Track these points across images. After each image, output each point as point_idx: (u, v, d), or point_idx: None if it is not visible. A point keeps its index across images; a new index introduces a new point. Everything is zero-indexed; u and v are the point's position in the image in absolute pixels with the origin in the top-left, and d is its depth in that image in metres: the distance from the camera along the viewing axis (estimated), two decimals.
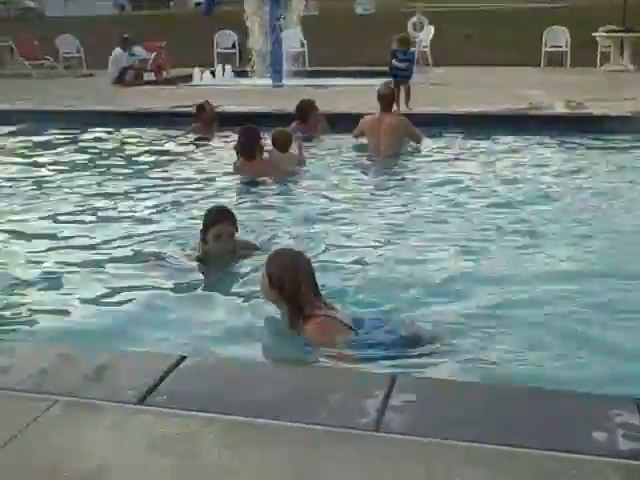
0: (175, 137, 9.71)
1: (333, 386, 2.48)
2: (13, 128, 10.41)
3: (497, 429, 2.20)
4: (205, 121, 9.40)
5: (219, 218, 4.50)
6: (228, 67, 16.78)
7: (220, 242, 4.41)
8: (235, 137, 7.68)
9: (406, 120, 8.55)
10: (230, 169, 7.53)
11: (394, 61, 10.74)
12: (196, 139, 9.37)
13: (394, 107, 8.81)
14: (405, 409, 2.30)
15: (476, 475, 1.99)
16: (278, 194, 6.82)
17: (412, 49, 11.71)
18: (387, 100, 8.48)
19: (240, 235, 4.75)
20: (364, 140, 8.61)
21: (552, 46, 16.72)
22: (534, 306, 3.87)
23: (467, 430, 2.19)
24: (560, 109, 10.25)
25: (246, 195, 6.81)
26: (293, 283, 3.46)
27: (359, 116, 8.75)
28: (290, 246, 4.82)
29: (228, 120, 9.50)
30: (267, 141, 7.62)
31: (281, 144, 7.61)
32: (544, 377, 3.04)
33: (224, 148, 8.78)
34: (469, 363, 3.18)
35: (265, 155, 7.43)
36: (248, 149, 7.21)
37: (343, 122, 9.43)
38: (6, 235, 5.65)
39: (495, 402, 2.39)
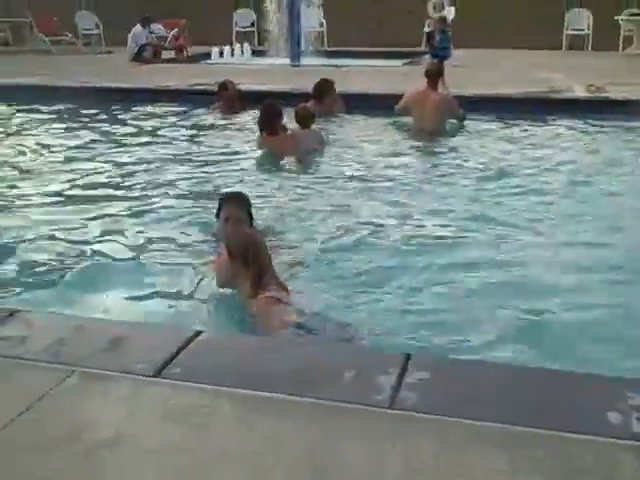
0: (196, 115, 9.73)
1: (348, 363, 2.48)
2: (31, 105, 10.44)
3: (511, 409, 2.19)
4: (227, 99, 9.44)
5: (227, 201, 4.50)
6: (247, 46, 16.72)
7: (227, 225, 4.37)
8: (256, 114, 7.73)
9: (451, 97, 8.53)
10: (252, 146, 7.56)
11: (433, 41, 10.77)
12: (219, 117, 9.41)
13: (440, 85, 8.75)
14: (420, 387, 2.30)
15: (489, 453, 1.99)
16: (302, 171, 6.82)
17: (448, 29, 11.71)
18: (433, 76, 8.46)
19: (263, 214, 4.74)
20: (387, 119, 8.60)
21: (574, 29, 16.52)
22: (552, 287, 3.86)
23: (481, 409, 2.19)
24: (580, 93, 10.14)
25: (269, 172, 6.81)
26: (256, 246, 3.54)
27: (376, 97, 8.73)
28: (314, 225, 4.84)
29: (246, 98, 9.53)
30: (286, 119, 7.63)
31: (304, 120, 7.62)
32: (558, 358, 3.03)
33: (246, 126, 8.80)
34: (483, 343, 3.18)
35: (288, 131, 7.44)
36: (270, 124, 7.24)
37: (360, 102, 9.41)
38: (29, 205, 5.72)
39: (510, 382, 2.39)
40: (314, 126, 7.76)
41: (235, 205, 4.43)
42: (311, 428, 2.12)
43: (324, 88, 9.00)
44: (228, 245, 3.58)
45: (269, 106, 7.37)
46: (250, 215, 4.45)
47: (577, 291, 3.87)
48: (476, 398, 2.26)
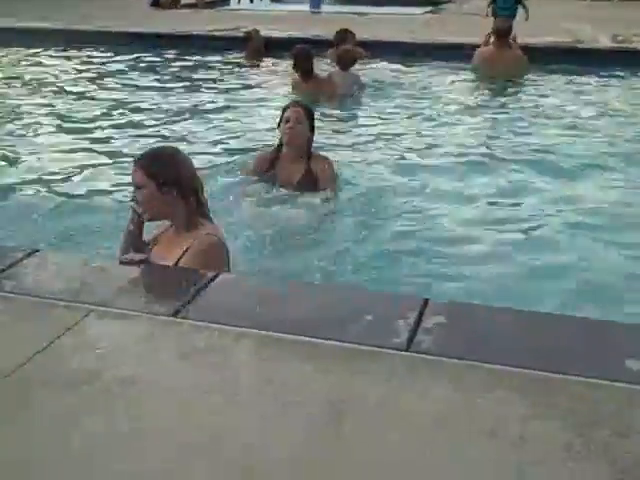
0: (219, 62, 9.71)
1: (366, 306, 2.47)
2: (46, 50, 10.38)
3: (529, 354, 2.19)
4: (252, 49, 9.57)
5: (290, 105, 4.71)
6: None
7: (285, 126, 4.53)
8: (281, 63, 7.74)
9: (522, 57, 8.43)
10: (283, 91, 7.58)
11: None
12: (245, 65, 9.48)
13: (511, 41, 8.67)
14: (437, 331, 2.29)
15: (506, 397, 1.98)
16: (339, 115, 6.84)
17: None
18: (503, 34, 8.41)
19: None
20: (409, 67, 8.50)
21: None
22: (572, 237, 3.84)
23: (498, 354, 2.18)
24: (606, 43, 9.93)
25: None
26: (190, 171, 3.13)
27: (398, 44, 8.62)
28: (351, 170, 4.82)
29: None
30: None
31: (343, 62, 7.61)
32: (578, 306, 3.02)
33: (273, 73, 8.86)
34: (501, 289, 3.17)
35: (324, 74, 7.54)
36: (305, 67, 7.35)
37: (381, 50, 9.31)
38: (54, 149, 5.75)
39: (528, 328, 2.38)
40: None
41: (297, 108, 4.63)
42: (329, 370, 2.12)
43: (345, 37, 9.00)
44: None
45: (302, 50, 7.46)
46: (311, 128, 4.61)
47: (601, 241, 3.85)
48: (493, 343, 2.26)
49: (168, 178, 3.02)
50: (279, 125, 4.66)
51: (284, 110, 4.66)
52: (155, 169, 3.02)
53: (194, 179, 3.12)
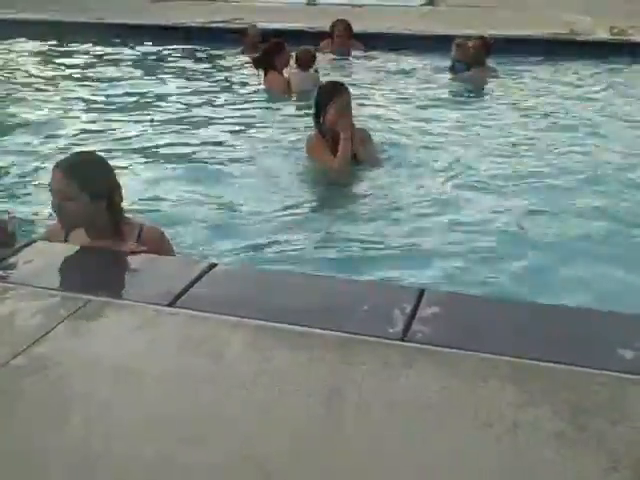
0: (217, 55, 9.71)
1: (363, 297, 2.49)
2: (44, 41, 10.34)
3: (523, 343, 2.20)
4: (250, 43, 9.58)
5: (337, 92, 4.69)
6: None
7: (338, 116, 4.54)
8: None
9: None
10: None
11: None
12: (244, 59, 9.51)
13: None
14: (432, 321, 2.31)
15: (500, 385, 2.00)
16: (295, 111, 6.92)
17: None
18: None
19: None
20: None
21: None
22: (572, 227, 3.86)
23: (493, 343, 2.20)
24: (602, 35, 9.93)
25: (266, 112, 6.90)
26: (115, 180, 3.02)
27: (394, 36, 8.63)
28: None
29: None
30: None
31: (303, 62, 7.67)
32: (574, 297, 3.04)
33: None
34: (498, 280, 3.19)
35: (288, 70, 7.57)
36: (263, 62, 7.49)
37: (377, 41, 9.33)
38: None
39: (521, 318, 2.39)
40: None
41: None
42: (326, 359, 2.14)
43: (338, 28, 9.20)
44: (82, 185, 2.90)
45: (269, 44, 7.60)
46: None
47: (601, 232, 3.86)
48: (488, 332, 2.27)
49: (101, 189, 2.91)
50: (319, 112, 4.65)
51: (329, 96, 4.62)
52: (89, 181, 2.88)
53: (119, 187, 3.02)
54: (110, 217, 2.97)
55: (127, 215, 3.11)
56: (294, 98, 7.28)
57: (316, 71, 7.47)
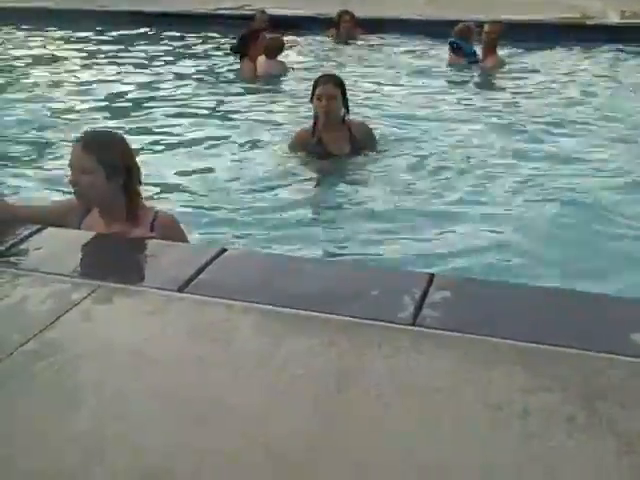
0: (222, 42, 9.70)
1: (372, 282, 2.48)
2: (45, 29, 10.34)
3: (534, 328, 2.19)
4: (257, 29, 9.62)
5: (320, 82, 4.92)
6: None
7: (319, 104, 4.77)
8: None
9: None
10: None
11: None
12: None
13: None
14: (442, 306, 2.30)
15: (510, 370, 1.99)
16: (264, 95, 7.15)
17: None
18: None
19: None
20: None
21: None
22: (580, 213, 3.84)
23: (503, 328, 2.19)
24: (613, 19, 9.85)
25: (238, 95, 7.19)
26: (135, 160, 3.02)
27: (405, 22, 8.59)
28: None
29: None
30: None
31: (269, 50, 7.97)
32: (584, 281, 3.02)
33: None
34: (507, 265, 3.17)
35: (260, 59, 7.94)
36: (237, 49, 7.95)
37: (383, 28, 9.33)
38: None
39: (532, 302, 2.38)
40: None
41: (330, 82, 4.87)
42: (335, 344, 2.13)
43: (344, 18, 9.62)
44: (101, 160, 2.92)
45: (245, 33, 8.00)
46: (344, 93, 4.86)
47: (612, 216, 3.85)
48: (498, 317, 2.26)
49: (118, 166, 2.92)
50: (312, 99, 4.91)
51: (315, 85, 4.89)
52: (107, 155, 2.89)
53: (139, 169, 3.03)
54: (126, 199, 2.98)
55: (144, 202, 3.12)
56: (260, 83, 7.61)
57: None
